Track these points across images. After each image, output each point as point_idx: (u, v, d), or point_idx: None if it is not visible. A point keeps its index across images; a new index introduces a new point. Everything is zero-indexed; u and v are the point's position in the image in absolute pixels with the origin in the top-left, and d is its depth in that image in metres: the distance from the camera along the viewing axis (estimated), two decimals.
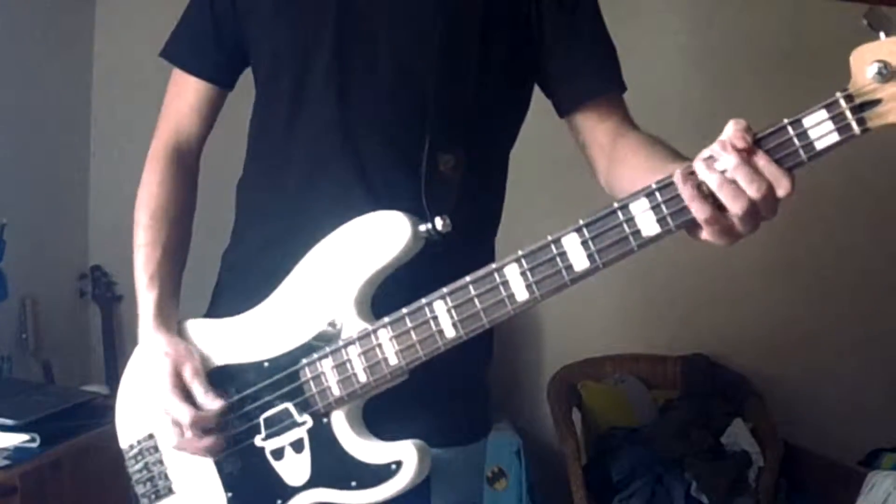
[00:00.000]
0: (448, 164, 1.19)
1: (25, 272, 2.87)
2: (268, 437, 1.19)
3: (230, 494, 1.23)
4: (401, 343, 1.10)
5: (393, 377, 1.12)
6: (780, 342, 3.80)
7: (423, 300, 1.08)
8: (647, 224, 0.96)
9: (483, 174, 1.26)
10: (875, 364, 3.82)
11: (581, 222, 0.99)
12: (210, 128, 1.39)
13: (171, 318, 1.28)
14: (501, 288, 1.03)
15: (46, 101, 3.19)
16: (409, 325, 1.09)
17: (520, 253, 1.03)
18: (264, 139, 1.32)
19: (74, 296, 3.44)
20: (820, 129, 0.88)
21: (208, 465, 1.24)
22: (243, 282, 1.29)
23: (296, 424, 1.17)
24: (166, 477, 1.28)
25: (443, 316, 1.07)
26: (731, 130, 0.92)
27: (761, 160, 0.91)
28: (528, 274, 1.02)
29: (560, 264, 1.00)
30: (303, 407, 1.16)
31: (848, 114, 0.87)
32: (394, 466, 1.12)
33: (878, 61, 0.85)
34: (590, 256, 0.99)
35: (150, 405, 1.25)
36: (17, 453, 2.01)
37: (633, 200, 0.97)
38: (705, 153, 0.94)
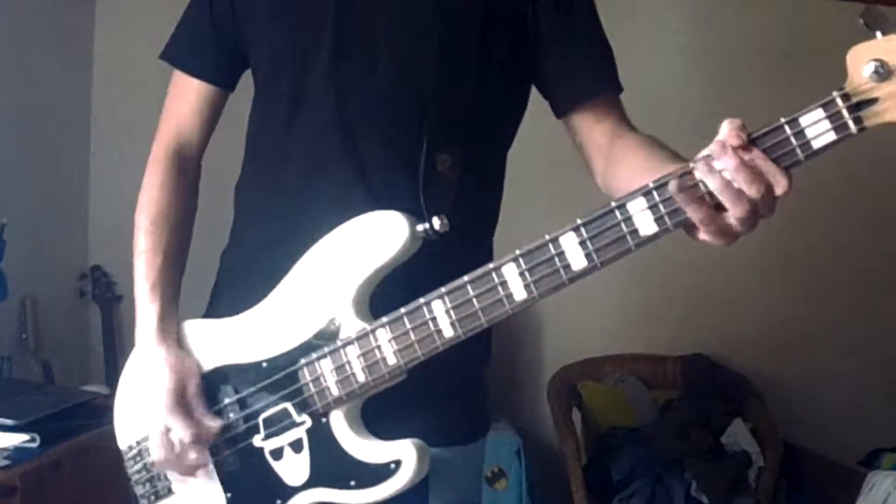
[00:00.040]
0: (446, 164, 1.19)
1: (25, 272, 2.88)
2: (267, 437, 1.19)
3: (229, 495, 1.23)
4: (399, 343, 1.10)
5: (391, 377, 1.12)
6: (780, 342, 3.80)
7: (422, 300, 1.08)
8: (645, 223, 0.96)
9: (481, 174, 1.27)
10: (875, 364, 3.82)
11: (579, 221, 0.99)
12: (211, 130, 1.38)
13: (173, 328, 1.28)
14: (500, 287, 1.04)
15: (46, 101, 3.19)
16: (408, 324, 1.09)
17: (518, 252, 1.03)
18: (263, 140, 1.32)
19: (74, 296, 3.44)
20: (817, 128, 0.88)
21: (208, 466, 1.24)
22: (242, 282, 1.29)
23: (295, 424, 1.17)
24: (165, 477, 1.28)
25: (441, 316, 1.07)
26: (727, 129, 0.92)
27: (759, 159, 0.91)
28: (527, 273, 1.02)
29: (558, 263, 1.01)
30: (302, 407, 1.16)
31: (844, 113, 0.87)
32: (393, 466, 1.12)
33: (875, 60, 0.85)
34: (587, 256, 0.99)
35: (146, 413, 1.25)
36: (17, 453, 2.01)
37: (630, 200, 0.97)
38: (705, 153, 0.94)
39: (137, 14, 3.37)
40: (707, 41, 3.85)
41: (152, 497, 1.29)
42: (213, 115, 1.37)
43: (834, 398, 3.81)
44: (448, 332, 1.07)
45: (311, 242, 1.17)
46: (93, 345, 3.43)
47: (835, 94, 0.88)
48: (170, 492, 1.28)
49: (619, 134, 1.23)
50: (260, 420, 1.19)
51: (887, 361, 3.80)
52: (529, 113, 1.33)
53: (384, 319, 1.11)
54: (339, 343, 1.13)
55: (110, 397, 1.34)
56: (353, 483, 1.14)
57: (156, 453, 1.22)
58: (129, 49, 3.32)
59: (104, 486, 1.83)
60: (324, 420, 1.16)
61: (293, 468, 1.18)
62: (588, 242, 0.99)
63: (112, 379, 3.07)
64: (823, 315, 3.84)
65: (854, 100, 0.87)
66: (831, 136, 0.88)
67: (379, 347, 1.11)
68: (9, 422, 2.08)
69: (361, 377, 1.12)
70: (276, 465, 1.19)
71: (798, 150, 0.90)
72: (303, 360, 1.16)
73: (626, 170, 1.15)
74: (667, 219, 0.95)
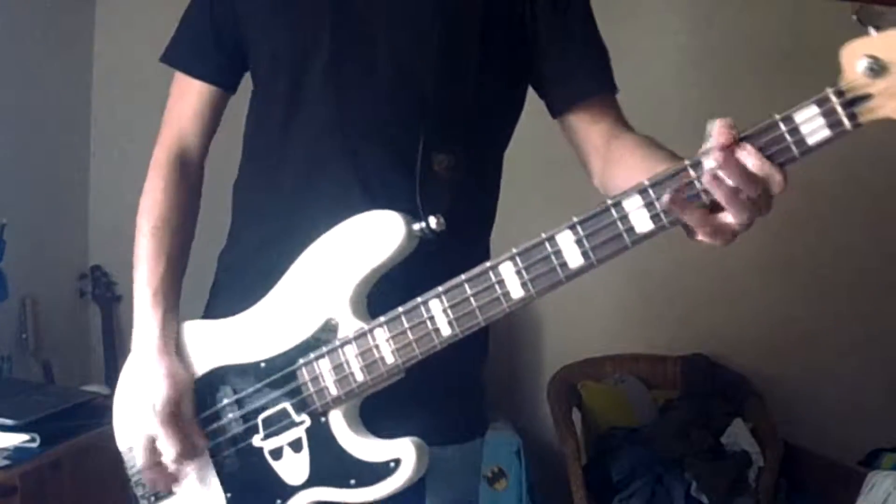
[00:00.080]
0: (442, 163, 1.20)
1: (25, 272, 2.88)
2: (266, 437, 1.19)
3: (229, 495, 1.23)
4: (397, 342, 1.10)
5: (390, 376, 1.12)
6: (780, 342, 3.80)
7: (419, 299, 1.08)
8: (641, 221, 0.96)
9: (478, 174, 1.27)
10: (875, 364, 3.81)
11: (575, 220, 1.00)
12: (213, 132, 1.38)
13: (174, 335, 1.27)
14: (497, 286, 1.04)
15: (46, 101, 3.19)
16: (406, 324, 1.09)
17: (514, 251, 1.03)
18: (261, 140, 1.32)
19: (74, 296, 3.44)
20: (811, 124, 0.88)
21: (207, 466, 1.24)
22: (240, 282, 1.29)
23: (294, 424, 1.17)
24: None
25: (438, 314, 1.07)
26: (716, 128, 0.91)
27: (753, 157, 0.91)
28: (523, 271, 1.02)
29: (554, 262, 1.01)
30: (300, 406, 1.17)
31: (839, 109, 0.87)
32: (392, 464, 1.12)
33: (869, 56, 0.85)
34: (584, 254, 0.99)
35: (138, 419, 1.25)
36: (17, 453, 2.01)
37: (626, 198, 0.97)
38: (699, 154, 0.94)
39: (137, 14, 3.37)
40: (707, 41, 3.85)
41: (152, 497, 1.29)
42: (215, 118, 1.37)
43: (834, 398, 3.81)
44: (446, 331, 1.07)
45: (308, 242, 1.17)
46: (93, 345, 3.43)
47: (828, 90, 0.88)
48: (169, 492, 1.28)
49: (615, 134, 1.23)
50: (259, 420, 1.20)
51: (887, 361, 3.79)
52: (526, 113, 1.33)
53: (382, 319, 1.11)
54: (337, 343, 1.13)
55: (110, 397, 1.34)
56: (352, 482, 1.14)
57: (139, 460, 1.24)
58: (129, 49, 3.32)
59: (104, 486, 1.83)
60: (323, 419, 1.16)
61: (293, 468, 1.18)
62: (584, 240, 0.99)
63: (112, 379, 3.07)
64: (823, 315, 3.84)
65: (848, 96, 0.87)
66: (826, 133, 0.88)
67: (377, 347, 1.11)
68: (9, 422, 2.09)
69: (360, 376, 1.12)
70: (276, 465, 1.19)
71: (793, 147, 0.90)
72: (301, 360, 1.16)
73: (623, 170, 1.15)
74: (663, 216, 0.95)
